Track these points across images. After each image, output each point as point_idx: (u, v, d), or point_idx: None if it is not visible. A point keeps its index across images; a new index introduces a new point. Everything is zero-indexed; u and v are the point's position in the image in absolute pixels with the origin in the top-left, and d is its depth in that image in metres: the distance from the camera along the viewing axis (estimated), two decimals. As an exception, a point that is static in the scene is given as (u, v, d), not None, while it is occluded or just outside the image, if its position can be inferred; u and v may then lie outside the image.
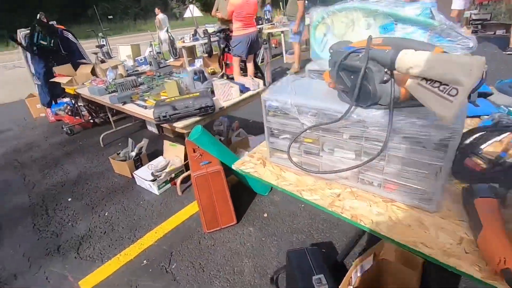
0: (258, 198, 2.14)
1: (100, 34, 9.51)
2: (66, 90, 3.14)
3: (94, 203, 2.35)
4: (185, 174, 2.33)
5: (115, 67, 3.17)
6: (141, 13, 25.03)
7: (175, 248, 1.80)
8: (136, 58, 9.13)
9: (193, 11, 8.94)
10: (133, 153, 2.66)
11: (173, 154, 2.59)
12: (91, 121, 4.04)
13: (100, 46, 7.78)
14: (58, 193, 2.54)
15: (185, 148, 2.38)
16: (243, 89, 2.07)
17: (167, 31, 9.12)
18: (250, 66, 4.57)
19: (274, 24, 7.03)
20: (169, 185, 2.41)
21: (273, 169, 0.93)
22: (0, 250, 1.96)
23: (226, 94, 1.96)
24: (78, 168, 2.96)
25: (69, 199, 2.43)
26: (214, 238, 1.83)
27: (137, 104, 2.17)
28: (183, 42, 7.18)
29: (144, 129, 3.74)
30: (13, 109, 5.45)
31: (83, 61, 3.56)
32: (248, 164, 0.99)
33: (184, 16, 10.85)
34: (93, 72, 3.37)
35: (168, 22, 9.60)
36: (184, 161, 2.49)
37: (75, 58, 3.57)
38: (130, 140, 2.74)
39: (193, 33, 7.58)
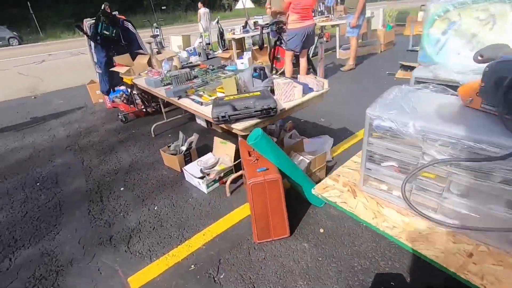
0: (313, 209, 1.96)
1: (155, 24, 9.87)
2: (124, 80, 3.22)
3: (145, 195, 2.36)
4: (236, 175, 2.23)
5: (171, 59, 3.16)
6: (192, 4, 25.80)
7: (223, 255, 1.70)
8: (186, 49, 9.36)
9: (245, 2, 8.83)
10: (184, 148, 2.63)
11: (223, 152, 2.50)
12: (144, 110, 4.16)
13: (154, 36, 8.08)
14: (112, 181, 2.62)
15: (237, 147, 2.28)
16: (306, 89, 1.88)
17: (217, 22, 9.14)
18: (303, 62, 4.32)
19: (328, 16, 6.63)
20: (217, 184, 2.33)
21: (367, 202, 0.75)
22: (61, 231, 2.05)
23: (288, 95, 1.79)
24: (131, 156, 3.03)
25: (122, 188, 2.48)
26: (265, 250, 1.69)
27: (193, 100, 2.10)
28: (233, 34, 7.11)
29: (192, 122, 3.74)
30: (77, 93, 5.88)
31: (141, 51, 3.63)
32: (332, 190, 0.82)
33: (236, 7, 10.80)
34: (149, 62, 3.42)
35: (209, 16, 9.66)
36: (234, 160, 2.39)
37: (133, 48, 3.66)
38: (181, 134, 2.72)
39: (243, 25, 7.49)
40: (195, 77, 2.80)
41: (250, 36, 7.90)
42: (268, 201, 1.61)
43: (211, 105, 2.01)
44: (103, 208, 2.26)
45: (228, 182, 2.19)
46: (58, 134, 3.91)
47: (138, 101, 4.12)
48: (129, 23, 3.69)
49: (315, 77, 2.02)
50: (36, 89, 6.79)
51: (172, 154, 2.62)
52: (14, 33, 20.03)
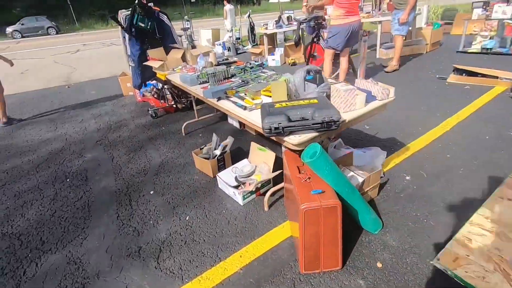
0: (366, 236, 1.70)
1: (186, 17, 9.81)
2: (157, 75, 3.08)
3: (175, 201, 2.20)
4: (276, 188, 2.00)
5: (206, 54, 2.97)
6: (221, -2, 25.73)
7: (263, 284, 1.49)
8: (215, 43, 9.23)
9: (279, -4, 8.51)
10: (217, 152, 2.44)
11: (260, 160, 2.28)
12: (174, 106, 4.04)
13: (185, 29, 7.98)
14: (141, 182, 2.49)
15: (279, 156, 2.05)
16: (369, 97, 1.61)
17: (248, 16, 8.89)
18: (344, 61, 3.99)
19: (369, 12, 6.18)
20: (253, 196, 2.12)
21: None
22: (89, 237, 1.93)
23: (348, 104, 1.52)
24: (160, 156, 2.90)
25: (151, 192, 2.34)
26: (313, 284, 1.46)
27: (234, 103, 1.89)
28: (266, 28, 6.84)
29: (224, 121, 3.55)
30: (108, 84, 5.91)
31: (175, 45, 3.48)
32: (469, 266, 0.56)
33: (269, 1, 10.51)
34: (183, 57, 3.25)
35: (235, 14, 9.48)
36: (273, 170, 2.16)
37: (167, 41, 3.52)
38: (215, 137, 2.53)
39: (276, 19, 7.19)
40: (233, 75, 2.59)
41: (282, 31, 7.60)
42: (322, 229, 1.37)
43: (254, 110, 1.80)
44: (132, 213, 2.12)
45: (267, 196, 1.97)
46: (89, 126, 3.87)
47: (168, 95, 3.99)
48: (165, 15, 3.55)
49: (376, 83, 1.73)
50: (70, 78, 6.93)
51: (204, 158, 2.44)
52: (53, 23, 20.96)
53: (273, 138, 1.48)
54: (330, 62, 3.99)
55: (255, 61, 3.02)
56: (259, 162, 2.29)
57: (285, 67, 6.26)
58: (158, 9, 3.70)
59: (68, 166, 2.89)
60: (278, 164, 2.14)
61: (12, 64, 4.09)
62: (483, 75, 3.79)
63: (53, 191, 2.49)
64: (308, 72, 1.63)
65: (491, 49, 5.06)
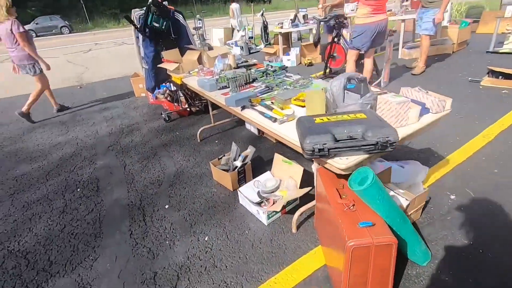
0: (414, 269, 1.47)
1: (198, 16, 9.65)
2: (172, 79, 2.91)
3: (193, 218, 2.01)
4: (306, 207, 1.79)
5: (225, 56, 2.78)
6: (232, -4, 25.51)
7: (298, 326, 1.29)
8: (227, 42, 9.05)
9: (294, -7, 8.25)
10: (238, 163, 2.24)
11: (285, 174, 2.08)
12: (188, 109, 3.87)
13: (197, 28, 7.83)
14: (155, 194, 2.31)
15: (306, 169, 1.84)
16: (422, 110, 1.38)
17: (262, 14, 8.66)
18: (368, 63, 3.74)
19: (391, 10, 5.87)
20: (279, 214, 1.92)
21: None
22: (100, 258, 1.77)
23: (400, 118, 1.30)
24: (175, 164, 2.72)
25: (166, 206, 2.17)
26: (357, 330, 1.25)
27: (261, 113, 1.68)
28: (281, 27, 6.60)
29: (241, 127, 3.36)
30: (120, 84, 5.81)
31: (191, 46, 3.29)
32: None
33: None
34: (199, 59, 3.07)
35: (241, 12, 9.31)
36: (300, 185, 1.96)
37: (182, 42, 3.34)
38: (234, 146, 2.34)
39: (291, 18, 6.95)
40: (254, 79, 2.39)
41: (298, 30, 7.36)
42: (372, 269, 1.15)
43: (286, 122, 1.59)
44: (146, 231, 1.95)
45: (296, 217, 1.77)
46: (100, 130, 3.74)
47: (182, 97, 3.82)
48: (180, 15, 3.37)
49: (426, 91, 1.50)
50: (82, 78, 6.86)
51: (223, 170, 2.25)
52: (66, 22, 21.20)
53: (313, 159, 1.27)
54: (354, 63, 3.74)
55: (270, 61, 2.82)
56: (284, 176, 2.08)
57: (301, 67, 6.02)
58: (173, 8, 3.53)
59: (78, 174, 2.75)
60: (305, 178, 1.94)
61: (48, 68, 4.10)
62: (523, 78, 3.48)
63: (63, 202, 2.34)
64: (349, 79, 1.41)
65: (525, 49, 4.71)
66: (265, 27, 8.76)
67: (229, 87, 2.25)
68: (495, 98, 3.35)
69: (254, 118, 1.67)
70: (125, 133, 3.58)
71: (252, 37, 9.08)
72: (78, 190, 2.49)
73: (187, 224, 1.97)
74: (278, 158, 2.14)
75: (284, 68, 2.57)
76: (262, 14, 8.69)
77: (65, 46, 13.02)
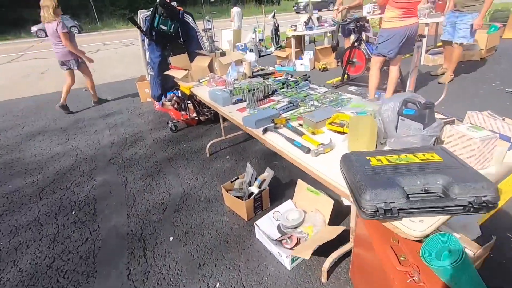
0: None
1: (207, 17, 9.41)
2: (181, 88, 2.62)
3: (201, 256, 1.72)
4: (340, 252, 1.48)
5: (239, 63, 2.48)
6: (241, -2, 25.33)
7: None
8: (236, 44, 8.76)
9: (309, -5, 7.95)
10: (254, 189, 1.93)
11: (310, 204, 1.77)
12: (196, 118, 3.58)
13: (206, 30, 7.56)
14: (158, 222, 2.03)
15: (335, 198, 1.52)
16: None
17: (273, 16, 8.36)
18: (394, 70, 3.40)
19: (412, 13, 5.50)
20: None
21: None
22: (88, 306, 1.48)
23: (482, 159, 0.98)
24: (182, 184, 2.43)
25: (171, 238, 1.87)
26: None
27: (290, 139, 1.36)
28: (294, 30, 6.28)
29: (253, 140, 3.06)
30: (126, 87, 5.59)
31: (201, 51, 3.00)
32: None
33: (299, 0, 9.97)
34: (210, 66, 2.78)
35: (242, 16, 9.11)
36: (329, 221, 1.65)
37: (192, 47, 3.05)
38: (250, 168, 2.03)
39: (305, 20, 6.62)
40: (274, 92, 2.08)
41: (312, 34, 7.04)
42: None
43: (321, 153, 1.27)
44: (146, 270, 1.66)
45: (326, 265, 1.46)
46: (102, 139, 3.48)
47: (190, 104, 3.54)
48: (190, 16, 3.08)
49: (503, 118, 1.17)
50: (87, 81, 6.65)
51: (238, 196, 1.95)
52: (75, 22, 21.20)
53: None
54: (378, 71, 3.41)
55: (282, 65, 2.52)
56: (309, 207, 1.77)
57: (314, 72, 5.70)
58: (182, 9, 3.25)
59: (75, 192, 2.48)
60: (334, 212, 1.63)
61: (91, 61, 4.43)
62: None
63: (55, 228, 2.07)
64: (405, 103, 1.10)
65: None
66: (276, 29, 8.46)
67: (245, 101, 1.94)
68: (540, 113, 2.98)
69: (279, 146, 1.36)
70: (128, 143, 3.32)
71: (262, 40, 8.80)
72: (73, 212, 2.22)
73: (195, 263, 1.67)
74: (301, 185, 1.83)
75: (306, 78, 2.26)
76: (273, 16, 8.39)
77: (73, 47, 12.90)
